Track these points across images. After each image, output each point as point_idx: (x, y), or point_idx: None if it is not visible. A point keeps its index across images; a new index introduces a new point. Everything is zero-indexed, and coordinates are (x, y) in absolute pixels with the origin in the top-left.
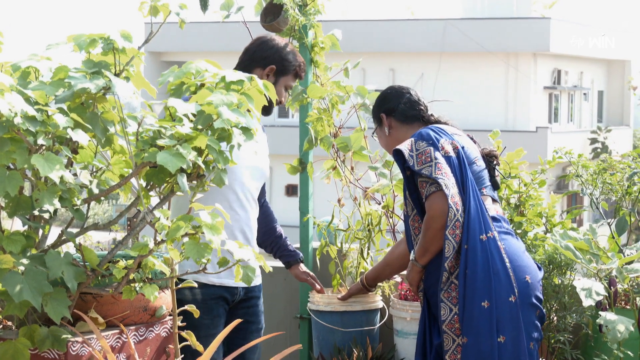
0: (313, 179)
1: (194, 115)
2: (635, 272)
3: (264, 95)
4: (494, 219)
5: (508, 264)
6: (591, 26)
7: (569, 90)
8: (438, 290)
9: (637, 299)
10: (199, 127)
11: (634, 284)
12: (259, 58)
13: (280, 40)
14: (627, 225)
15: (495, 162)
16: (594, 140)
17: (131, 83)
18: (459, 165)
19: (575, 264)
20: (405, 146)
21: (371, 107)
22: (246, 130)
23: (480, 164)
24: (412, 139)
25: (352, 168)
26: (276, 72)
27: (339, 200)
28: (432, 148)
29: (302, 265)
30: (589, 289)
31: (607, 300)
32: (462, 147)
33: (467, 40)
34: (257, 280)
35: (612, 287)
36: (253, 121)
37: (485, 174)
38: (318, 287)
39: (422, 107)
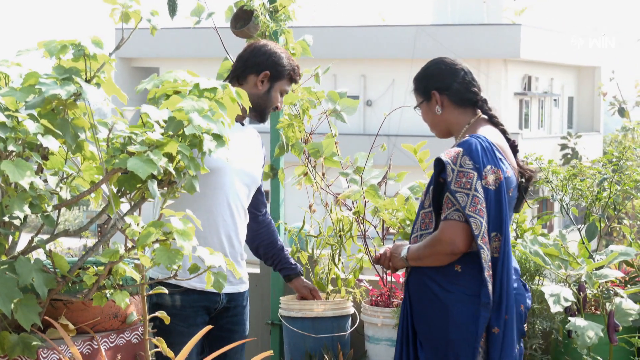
0: (284, 185)
1: (165, 121)
2: (605, 277)
3: (254, 100)
4: None
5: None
6: (562, 32)
7: (540, 97)
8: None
9: (607, 304)
10: (170, 133)
11: (604, 289)
12: (252, 64)
13: (273, 45)
14: (597, 231)
15: (527, 185)
16: (564, 146)
17: (102, 89)
18: (497, 200)
19: (544, 270)
20: (449, 157)
21: (342, 113)
22: (218, 137)
23: (514, 193)
24: (460, 150)
25: (323, 174)
26: (270, 77)
27: (310, 206)
28: (475, 174)
29: (303, 278)
30: (557, 295)
31: (576, 306)
32: (505, 178)
33: (438, 47)
34: (244, 287)
35: (581, 293)
36: (225, 129)
37: (514, 203)
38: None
39: (477, 90)
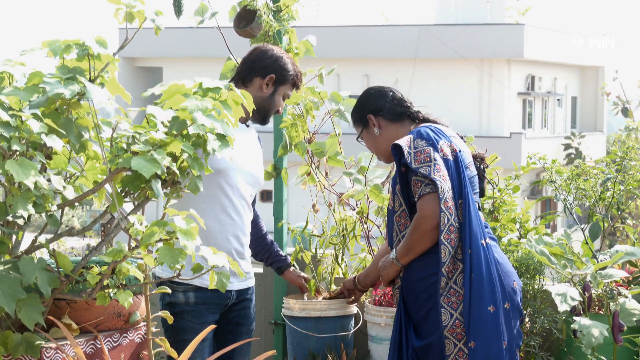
0: (287, 184)
1: (169, 121)
2: (610, 277)
3: (258, 103)
4: (485, 225)
5: (500, 271)
6: (565, 32)
7: (543, 96)
8: (438, 296)
9: (611, 304)
10: (174, 132)
11: (608, 289)
12: (258, 67)
13: (278, 50)
14: (601, 231)
15: (483, 166)
16: (567, 146)
17: (106, 89)
18: (456, 169)
19: (545, 269)
20: (404, 142)
21: (346, 113)
22: (222, 137)
23: (473, 170)
24: (411, 136)
25: (326, 174)
26: (275, 81)
27: (313, 206)
28: (431, 148)
29: (293, 269)
30: (564, 294)
31: (581, 306)
32: (459, 151)
33: (441, 46)
34: (251, 282)
35: (586, 293)
36: (230, 129)
37: (476, 180)
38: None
39: (408, 104)
